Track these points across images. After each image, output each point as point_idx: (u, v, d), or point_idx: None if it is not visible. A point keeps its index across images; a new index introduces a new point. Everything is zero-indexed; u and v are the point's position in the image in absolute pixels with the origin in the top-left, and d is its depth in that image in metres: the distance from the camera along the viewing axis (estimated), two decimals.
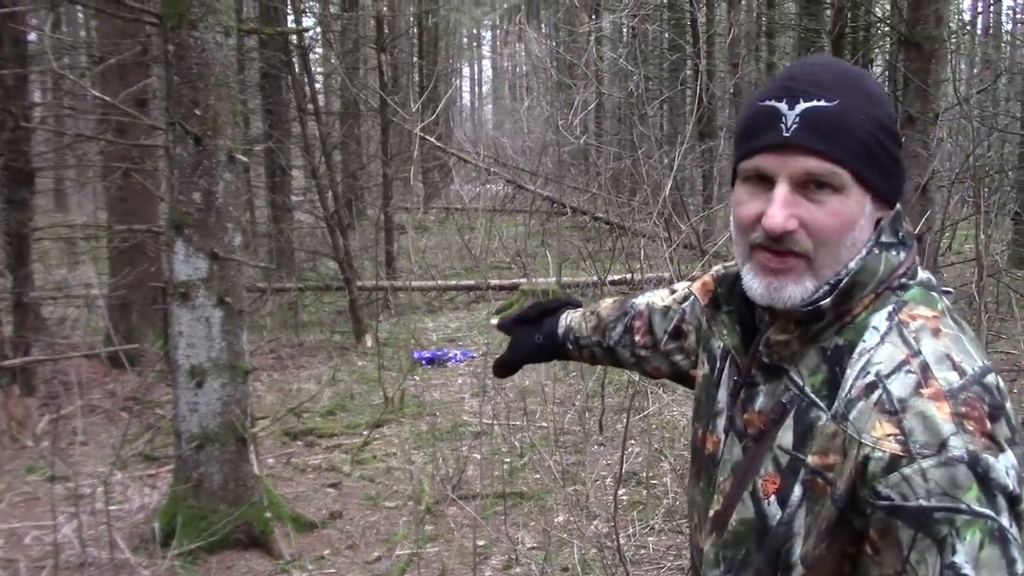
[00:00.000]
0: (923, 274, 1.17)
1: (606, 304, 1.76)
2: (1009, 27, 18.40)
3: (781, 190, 1.11)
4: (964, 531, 0.96)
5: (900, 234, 1.16)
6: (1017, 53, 15.57)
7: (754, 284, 1.15)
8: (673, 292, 1.63)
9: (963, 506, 0.96)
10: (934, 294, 1.15)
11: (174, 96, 4.47)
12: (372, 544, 4.76)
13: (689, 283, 1.59)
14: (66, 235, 11.35)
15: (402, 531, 4.86)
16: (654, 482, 5.16)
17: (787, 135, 1.11)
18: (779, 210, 1.10)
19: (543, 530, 4.64)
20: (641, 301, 1.68)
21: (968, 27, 14.64)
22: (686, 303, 1.56)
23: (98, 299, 8.12)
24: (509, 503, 4.92)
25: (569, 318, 1.82)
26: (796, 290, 1.12)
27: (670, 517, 4.69)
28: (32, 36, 7.89)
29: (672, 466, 5.15)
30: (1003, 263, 8.46)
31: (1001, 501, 0.97)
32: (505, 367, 1.89)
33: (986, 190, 7.25)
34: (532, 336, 1.85)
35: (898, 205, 1.18)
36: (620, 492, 4.62)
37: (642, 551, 4.42)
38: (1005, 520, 0.97)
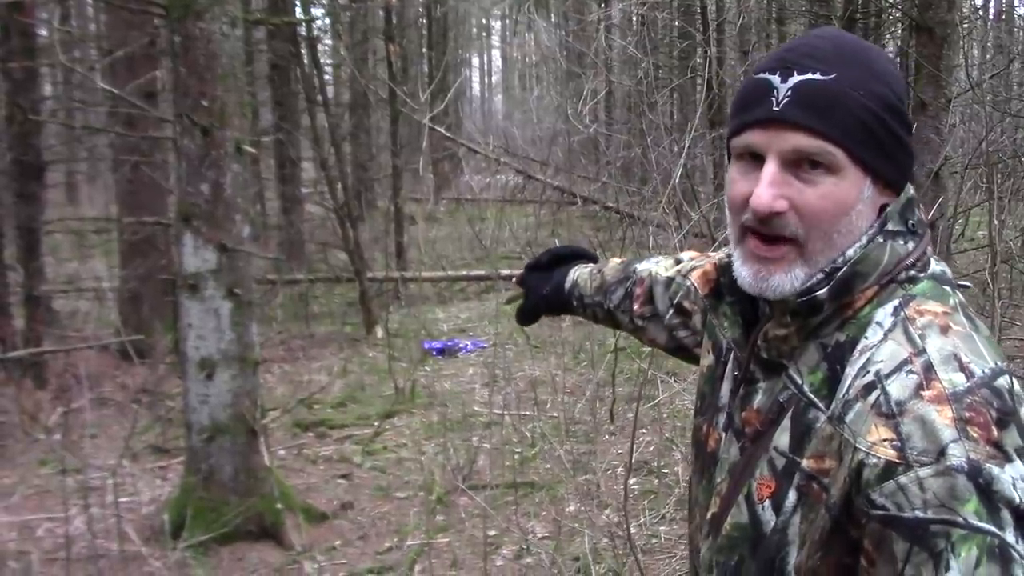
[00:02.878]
0: (937, 266, 1.09)
1: (612, 264, 1.70)
2: (1022, 11, 18.22)
3: (770, 168, 1.04)
4: (960, 547, 0.88)
5: (910, 222, 1.07)
6: None
7: (743, 271, 1.09)
8: (679, 263, 1.55)
9: (960, 519, 0.88)
10: (947, 288, 1.06)
11: (181, 88, 4.46)
12: (383, 534, 4.77)
13: (695, 257, 1.54)
14: (76, 228, 11.42)
15: (413, 522, 4.86)
16: (665, 471, 5.15)
17: (777, 109, 1.03)
18: (766, 189, 1.03)
19: (554, 520, 4.64)
20: (643, 268, 1.61)
21: (981, 12, 14.49)
22: (689, 279, 1.48)
23: (108, 292, 8.14)
24: (520, 493, 4.91)
25: (577, 273, 1.75)
26: (785, 279, 1.05)
27: (681, 506, 4.67)
28: (41, 30, 7.91)
29: (683, 455, 5.12)
30: (1017, 249, 8.37)
31: (1006, 515, 0.89)
32: (523, 315, 1.86)
33: (999, 176, 7.17)
34: (541, 287, 1.80)
35: (910, 191, 1.09)
36: (631, 481, 4.61)
37: (653, 540, 4.41)
38: (1010, 536, 0.88)
